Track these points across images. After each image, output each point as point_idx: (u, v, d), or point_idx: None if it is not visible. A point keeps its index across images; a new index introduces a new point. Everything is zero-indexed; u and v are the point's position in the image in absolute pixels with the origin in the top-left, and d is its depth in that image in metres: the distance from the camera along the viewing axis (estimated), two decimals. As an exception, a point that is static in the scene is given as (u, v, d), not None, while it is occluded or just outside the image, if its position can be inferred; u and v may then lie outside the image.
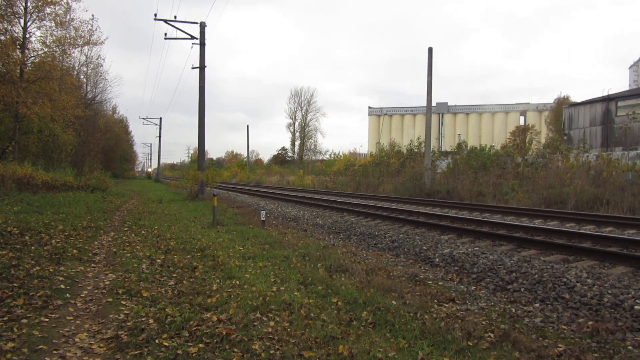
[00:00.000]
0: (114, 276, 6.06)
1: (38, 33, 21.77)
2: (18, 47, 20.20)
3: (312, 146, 78.64)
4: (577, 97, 53.03)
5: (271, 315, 4.47)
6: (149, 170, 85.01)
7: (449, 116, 78.94)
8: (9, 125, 21.79)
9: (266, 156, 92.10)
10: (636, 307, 4.89)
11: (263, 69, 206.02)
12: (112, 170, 46.81)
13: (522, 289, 5.96)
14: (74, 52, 26.84)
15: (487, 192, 19.34)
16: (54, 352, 3.58)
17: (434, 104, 27.02)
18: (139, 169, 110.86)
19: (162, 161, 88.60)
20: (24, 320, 4.13)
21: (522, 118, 74.30)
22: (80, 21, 23.76)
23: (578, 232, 8.84)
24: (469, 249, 8.04)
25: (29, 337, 3.79)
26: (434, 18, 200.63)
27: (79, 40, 23.34)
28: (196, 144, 24.07)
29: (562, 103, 44.75)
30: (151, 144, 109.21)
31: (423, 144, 28.21)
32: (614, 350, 4.02)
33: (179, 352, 3.57)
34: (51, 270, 5.96)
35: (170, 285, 5.58)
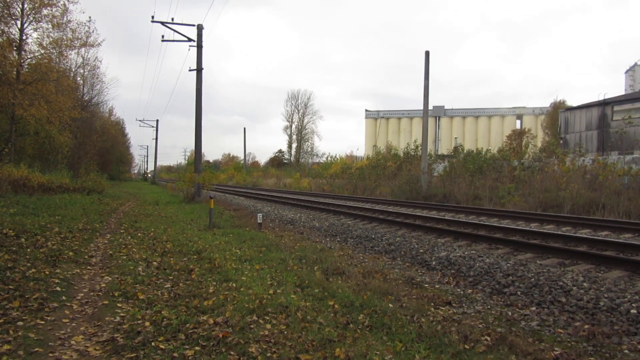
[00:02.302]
0: (110, 279, 6.04)
1: (35, 35, 21.78)
2: (15, 48, 20.16)
3: (309, 149, 78.76)
4: (573, 102, 53.28)
5: (268, 318, 4.46)
6: (147, 172, 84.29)
7: (446, 120, 79.11)
8: (5, 127, 21.71)
9: (263, 159, 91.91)
10: (632, 311, 4.90)
11: (260, 72, 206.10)
12: (109, 173, 46.70)
13: (519, 293, 5.97)
14: (70, 54, 26.88)
15: (484, 196, 19.40)
16: (50, 354, 3.56)
17: (430, 107, 27.13)
18: (135, 171, 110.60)
19: (158, 163, 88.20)
20: (20, 323, 4.11)
21: (518, 122, 74.51)
22: (77, 23, 23.87)
23: (574, 236, 8.87)
24: (466, 252, 8.06)
25: (25, 340, 3.77)
26: (430, 22, 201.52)
27: (75, 42, 23.32)
28: (193, 147, 24.06)
29: (558, 107, 44.92)
30: (148, 146, 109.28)
31: (420, 147, 28.31)
32: (610, 354, 4.03)
33: (175, 355, 3.56)
34: (47, 272, 5.93)
35: (166, 288, 5.57)
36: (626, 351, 4.09)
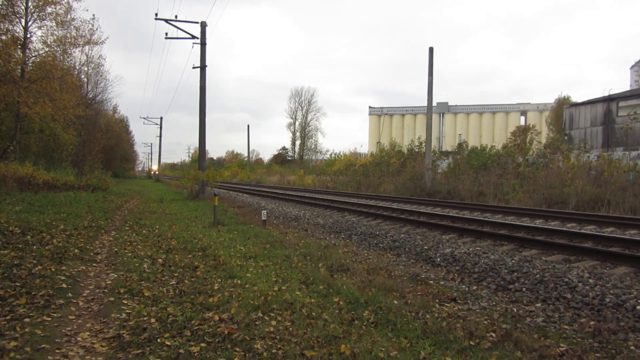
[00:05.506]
0: (116, 275, 6.07)
1: (39, 33, 21.84)
2: (19, 46, 20.22)
3: (313, 146, 78.86)
4: (577, 98, 53.14)
5: (273, 314, 4.47)
6: (154, 168, 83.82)
7: (450, 116, 78.93)
8: (10, 125, 21.81)
9: (267, 156, 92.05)
10: (638, 307, 4.88)
11: (263, 69, 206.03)
12: (113, 170, 46.84)
13: (524, 289, 5.95)
14: (74, 52, 26.91)
15: (488, 192, 19.34)
16: (57, 351, 3.58)
17: (434, 103, 27.06)
18: (140, 169, 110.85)
19: (162, 161, 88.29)
20: (27, 320, 4.14)
21: (522, 118, 74.30)
22: (81, 21, 23.83)
23: (579, 232, 8.83)
24: (470, 249, 8.04)
25: (32, 336, 3.79)
26: (433, 19, 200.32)
27: (79, 39, 23.34)
28: (197, 144, 24.10)
29: (563, 103, 44.73)
30: (152, 144, 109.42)
31: (424, 144, 28.22)
32: (616, 350, 4.02)
33: (181, 351, 3.58)
34: (53, 269, 5.97)
35: (171, 285, 5.59)
36: (632, 347, 4.07)
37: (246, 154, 73.00)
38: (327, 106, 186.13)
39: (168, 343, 3.72)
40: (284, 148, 79.30)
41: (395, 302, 5.06)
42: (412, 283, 6.24)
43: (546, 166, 20.78)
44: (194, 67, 22.35)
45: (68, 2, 21.32)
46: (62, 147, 25.60)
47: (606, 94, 30.07)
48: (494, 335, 4.19)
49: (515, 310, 5.18)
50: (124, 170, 65.15)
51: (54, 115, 21.43)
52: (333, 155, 51.12)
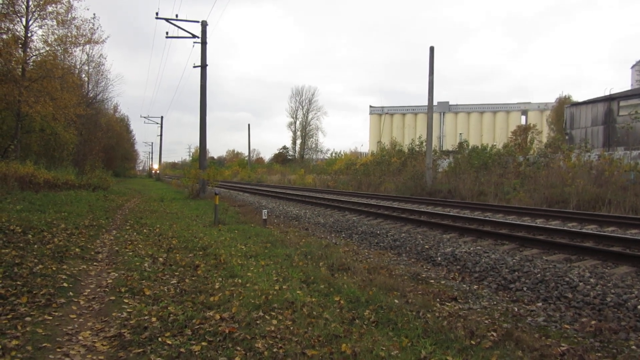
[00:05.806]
0: (117, 275, 6.07)
1: (40, 32, 21.87)
2: (20, 45, 20.20)
3: (314, 145, 78.92)
4: (578, 97, 53.16)
5: (274, 313, 4.47)
6: (155, 167, 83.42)
7: (450, 115, 78.86)
8: (11, 124, 21.80)
9: (267, 155, 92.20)
10: (639, 306, 4.88)
11: (264, 68, 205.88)
12: (114, 169, 46.80)
13: (525, 288, 5.95)
14: (75, 51, 26.80)
15: (489, 192, 19.33)
16: (58, 350, 3.59)
17: (435, 103, 27.03)
18: (140, 168, 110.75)
19: (163, 160, 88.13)
20: (28, 318, 4.14)
21: (523, 117, 74.20)
22: (81, 20, 23.71)
23: (580, 232, 8.83)
24: (471, 248, 8.04)
25: (33, 335, 3.80)
26: (433, 19, 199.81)
27: (80, 38, 23.28)
28: (197, 143, 24.09)
29: (564, 103, 44.65)
30: (152, 143, 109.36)
31: (424, 143, 28.20)
32: (617, 349, 4.02)
33: (182, 350, 3.58)
34: (54, 268, 5.97)
35: (172, 284, 5.59)
36: (633, 347, 4.07)
37: (247, 153, 73.04)
38: (327, 105, 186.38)
39: (169, 342, 3.72)
40: (284, 147, 79.39)
41: (396, 301, 5.06)
42: (413, 282, 6.24)
43: (547, 165, 20.75)
44: (194, 66, 22.36)
45: (69, 1, 21.29)
46: (63, 146, 25.60)
47: (607, 93, 30.06)
48: (494, 334, 4.19)
49: (516, 309, 5.18)
50: (125, 169, 65.07)
51: (55, 115, 21.41)
52: (334, 155, 51.13)
